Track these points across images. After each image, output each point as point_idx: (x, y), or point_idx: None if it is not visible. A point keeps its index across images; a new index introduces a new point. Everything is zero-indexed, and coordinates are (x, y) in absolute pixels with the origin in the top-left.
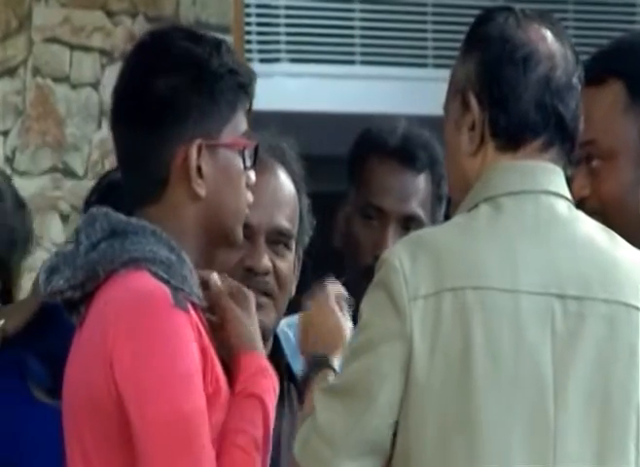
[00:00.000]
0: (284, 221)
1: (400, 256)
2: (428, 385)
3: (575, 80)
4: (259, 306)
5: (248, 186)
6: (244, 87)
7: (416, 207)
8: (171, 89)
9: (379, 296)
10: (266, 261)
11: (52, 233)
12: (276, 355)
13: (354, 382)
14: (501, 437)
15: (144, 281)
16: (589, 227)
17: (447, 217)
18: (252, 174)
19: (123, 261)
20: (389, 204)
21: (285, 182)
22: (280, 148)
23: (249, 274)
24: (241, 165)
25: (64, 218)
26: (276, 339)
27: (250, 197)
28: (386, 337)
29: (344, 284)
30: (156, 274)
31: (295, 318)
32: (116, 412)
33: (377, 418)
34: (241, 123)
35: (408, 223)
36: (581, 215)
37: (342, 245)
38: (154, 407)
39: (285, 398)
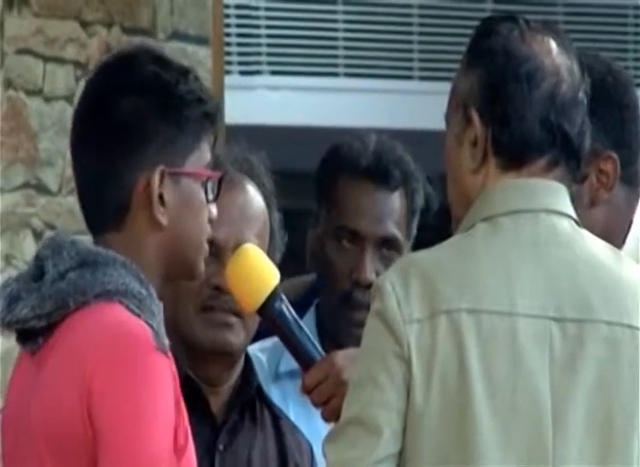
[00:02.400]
0: (253, 238)
1: (392, 281)
2: (425, 411)
3: (581, 94)
4: (228, 326)
5: (210, 220)
6: (210, 116)
7: (392, 228)
8: (136, 113)
9: (375, 324)
10: None
11: (24, 251)
12: (248, 376)
13: (360, 417)
14: (498, 465)
15: (123, 318)
16: (594, 246)
17: (449, 233)
18: (214, 208)
19: (95, 293)
20: (364, 227)
21: (254, 197)
22: (249, 161)
23: (217, 293)
24: (204, 197)
25: (37, 235)
26: (248, 359)
27: (210, 230)
28: (385, 364)
29: (316, 307)
30: (127, 308)
31: (268, 342)
32: (90, 446)
33: (384, 452)
34: (205, 153)
35: (386, 244)
36: (586, 234)
37: (315, 269)
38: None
39: (257, 420)
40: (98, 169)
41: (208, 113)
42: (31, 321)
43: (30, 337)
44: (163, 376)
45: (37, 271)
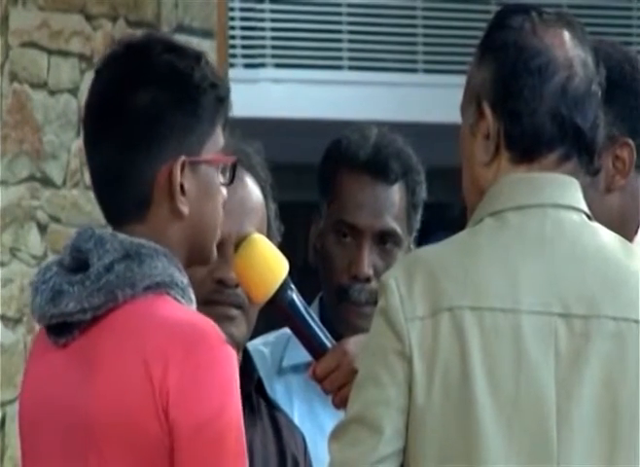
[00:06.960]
0: (252, 230)
1: (396, 277)
2: (427, 408)
3: (594, 87)
4: (230, 319)
5: (223, 203)
6: (222, 100)
7: (391, 221)
8: (154, 106)
9: (379, 322)
10: None
11: (29, 244)
12: (247, 369)
13: (361, 416)
14: (502, 463)
15: (187, 312)
16: (604, 240)
17: (463, 223)
18: (224, 190)
19: (144, 285)
20: (363, 221)
21: (252, 189)
22: (245, 153)
23: (219, 287)
24: (219, 181)
25: (42, 228)
26: (246, 352)
27: (222, 213)
28: (387, 362)
29: (319, 301)
30: (175, 299)
31: (270, 337)
32: (166, 441)
33: (386, 450)
34: (219, 138)
35: (384, 238)
36: (596, 227)
37: (316, 262)
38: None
39: (255, 410)
40: (118, 164)
41: (221, 97)
42: (76, 315)
43: (66, 330)
44: (235, 367)
45: (76, 264)
